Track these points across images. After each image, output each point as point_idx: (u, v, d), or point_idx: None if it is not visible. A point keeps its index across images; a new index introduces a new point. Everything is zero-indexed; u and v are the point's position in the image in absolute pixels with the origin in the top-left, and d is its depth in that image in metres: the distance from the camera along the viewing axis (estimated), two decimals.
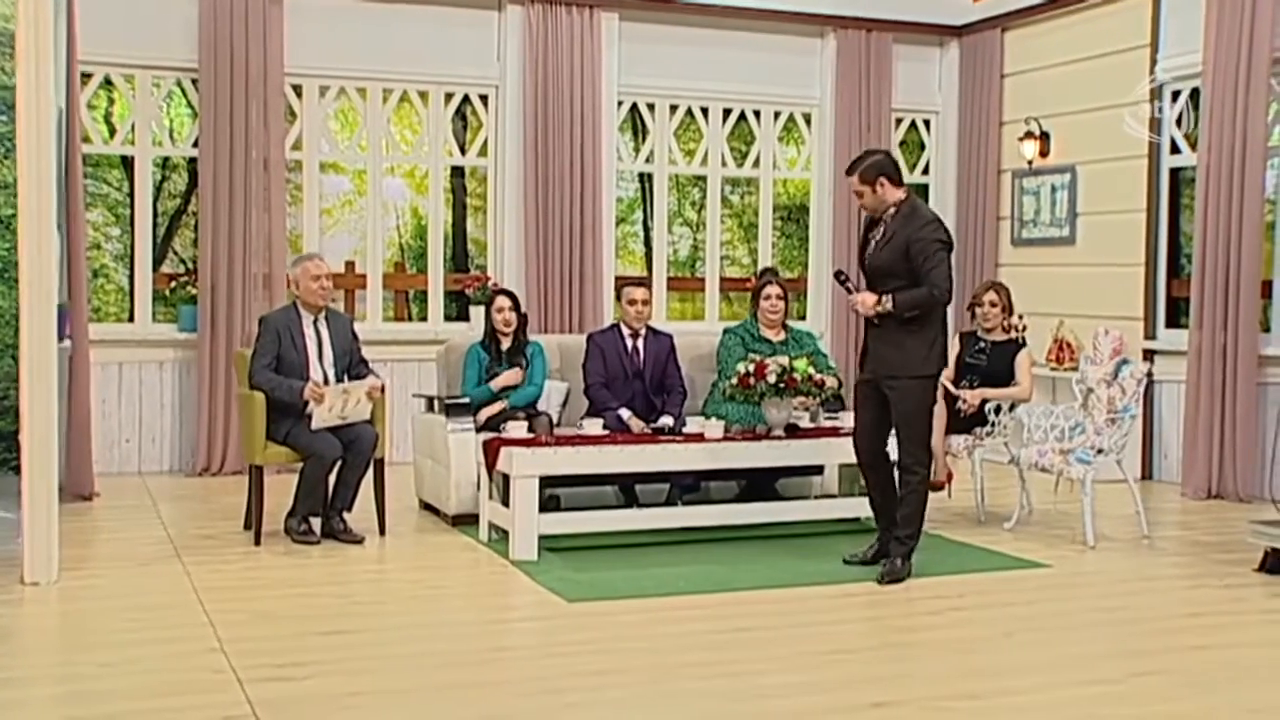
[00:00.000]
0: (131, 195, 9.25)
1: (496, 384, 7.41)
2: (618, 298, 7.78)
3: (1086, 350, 9.28)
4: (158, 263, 10.93)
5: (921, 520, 6.06)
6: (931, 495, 7.32)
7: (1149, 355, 9.14)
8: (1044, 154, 9.99)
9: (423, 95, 9.60)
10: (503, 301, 7.63)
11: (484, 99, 9.72)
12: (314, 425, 6.62)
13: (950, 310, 7.75)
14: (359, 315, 9.70)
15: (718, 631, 5.14)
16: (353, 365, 6.97)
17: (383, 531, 6.89)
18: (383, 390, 6.89)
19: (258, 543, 6.60)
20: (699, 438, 6.81)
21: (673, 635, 5.08)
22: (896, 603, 5.61)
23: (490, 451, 6.67)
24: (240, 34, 8.82)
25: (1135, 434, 9.02)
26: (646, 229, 11.36)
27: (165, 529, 7.01)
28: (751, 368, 6.81)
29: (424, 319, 9.90)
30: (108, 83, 9.01)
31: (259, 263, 8.92)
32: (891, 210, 6.02)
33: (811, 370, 6.83)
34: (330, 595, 5.67)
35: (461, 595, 5.76)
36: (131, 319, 9.14)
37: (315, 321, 6.88)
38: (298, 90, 9.23)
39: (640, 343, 7.67)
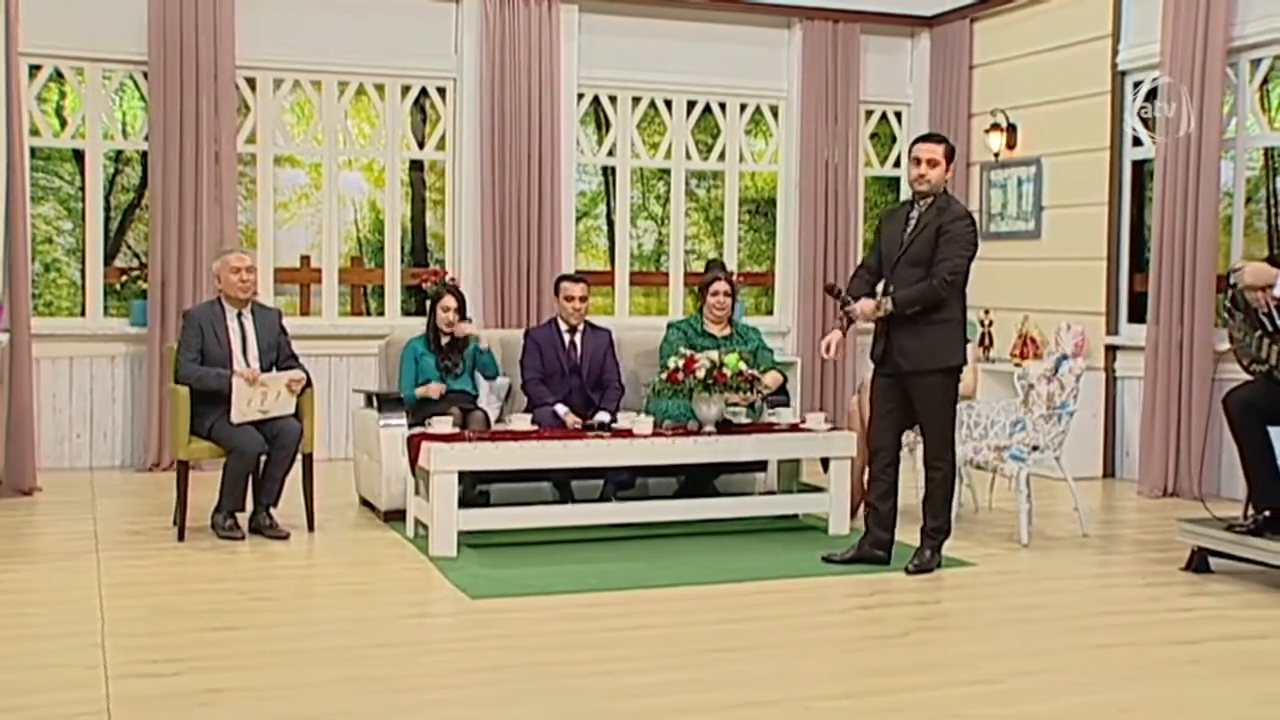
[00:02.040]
0: (83, 189, 9.26)
1: (420, 393, 7.37)
2: (555, 293, 7.73)
3: (1050, 346, 9.24)
4: (111, 257, 10.98)
5: (950, 512, 6.12)
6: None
7: (1111, 351, 9.07)
8: (1011, 146, 9.91)
9: (379, 88, 9.58)
10: (449, 302, 7.61)
11: (441, 92, 9.70)
12: (234, 419, 6.61)
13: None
14: (314, 310, 9.70)
15: (616, 629, 5.11)
16: (280, 360, 6.95)
17: (311, 527, 6.88)
18: (309, 384, 6.87)
19: (181, 538, 6.61)
20: (627, 433, 6.77)
21: (567, 632, 5.04)
22: (806, 601, 5.56)
23: (413, 447, 6.65)
24: (190, 25, 8.82)
25: (1097, 431, 9.00)
26: (610, 223, 11.34)
27: (95, 524, 7.02)
28: (681, 363, 6.77)
29: (381, 314, 9.88)
30: (58, 76, 9.02)
31: (210, 257, 8.90)
32: (929, 200, 6.00)
33: (742, 366, 6.77)
34: (234, 591, 5.65)
35: (368, 591, 5.73)
36: (83, 313, 9.16)
37: (240, 315, 6.87)
38: (251, 83, 9.23)
39: (578, 338, 7.65)
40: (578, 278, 7.83)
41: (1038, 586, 5.90)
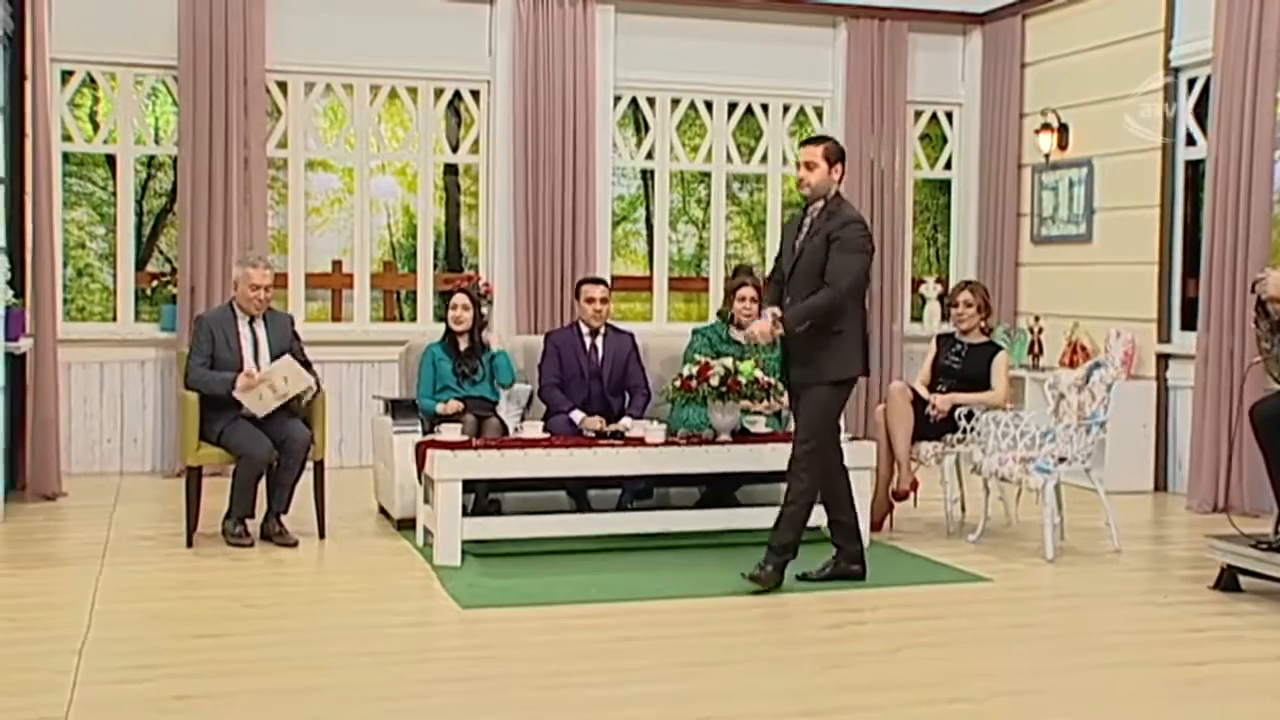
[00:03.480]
0: (115, 194, 9.45)
1: (440, 410, 7.40)
2: (576, 296, 7.76)
3: (1100, 354, 9.10)
4: (143, 262, 11.19)
5: (800, 529, 5.94)
6: (897, 505, 7.31)
7: (1163, 360, 8.91)
8: (1063, 146, 9.76)
9: (411, 91, 9.67)
10: (458, 299, 7.67)
11: (475, 94, 9.77)
12: (258, 415, 6.74)
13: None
14: (345, 316, 9.81)
15: (600, 641, 5.12)
16: None
17: (322, 535, 6.97)
18: (318, 390, 6.95)
19: (190, 545, 6.72)
20: (638, 442, 6.78)
21: (548, 644, 5.07)
22: (800, 614, 5.54)
23: (421, 454, 6.72)
24: (220, 29, 8.95)
25: (1148, 444, 8.84)
26: (649, 227, 11.35)
27: (109, 530, 7.15)
28: (695, 370, 6.77)
29: (414, 320, 9.96)
30: (91, 81, 9.21)
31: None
32: (819, 204, 5.94)
33: (758, 374, 6.75)
34: (228, 598, 5.74)
35: (362, 599, 5.79)
36: (115, 318, 9.35)
37: (251, 321, 6.98)
38: (283, 87, 9.36)
39: (599, 341, 7.66)
40: (598, 280, 7.86)
41: (1051, 604, 5.83)
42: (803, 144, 6.08)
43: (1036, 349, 9.72)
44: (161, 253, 11.71)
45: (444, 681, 4.60)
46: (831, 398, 5.90)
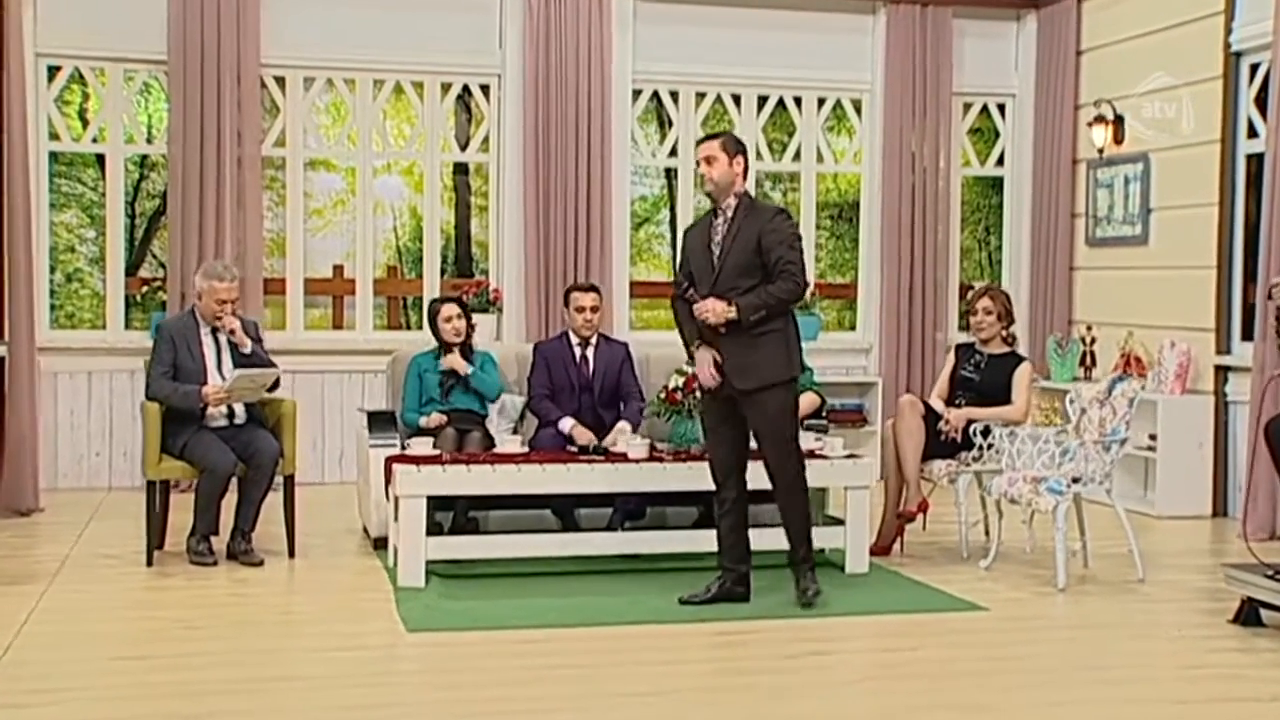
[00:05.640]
0: (105, 195, 9.63)
1: (422, 423, 7.48)
2: (565, 304, 7.80)
3: (1156, 366, 8.96)
4: (135, 266, 11.38)
5: (811, 531, 6.08)
6: (907, 527, 7.25)
7: (1221, 372, 8.73)
8: (1118, 140, 9.62)
9: (417, 86, 9.78)
10: (450, 310, 7.73)
11: (485, 89, 9.85)
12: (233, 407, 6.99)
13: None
14: (347, 323, 9.92)
15: (541, 667, 5.16)
16: None
17: (292, 554, 7.06)
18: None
19: (149, 563, 6.84)
20: (620, 458, 6.79)
21: (485, 670, 5.11)
22: (765, 643, 5.51)
23: (390, 469, 6.78)
24: (211, 21, 9.07)
25: (1205, 465, 8.66)
26: (674, 229, 11.34)
27: (73, 547, 7.30)
28: (681, 382, 6.76)
29: (420, 328, 10.04)
30: (80, 77, 9.41)
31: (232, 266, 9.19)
32: (732, 203, 5.99)
33: None
34: (170, 619, 5.84)
35: (308, 621, 5.87)
36: (104, 325, 9.54)
37: (214, 330, 7.10)
38: (280, 82, 9.49)
39: (590, 352, 7.68)
40: (590, 286, 7.89)
41: (1045, 636, 5.74)
42: (699, 142, 6.19)
43: (1089, 361, 9.58)
44: (155, 257, 11.91)
45: (366, 707, 4.64)
46: (789, 397, 5.99)
